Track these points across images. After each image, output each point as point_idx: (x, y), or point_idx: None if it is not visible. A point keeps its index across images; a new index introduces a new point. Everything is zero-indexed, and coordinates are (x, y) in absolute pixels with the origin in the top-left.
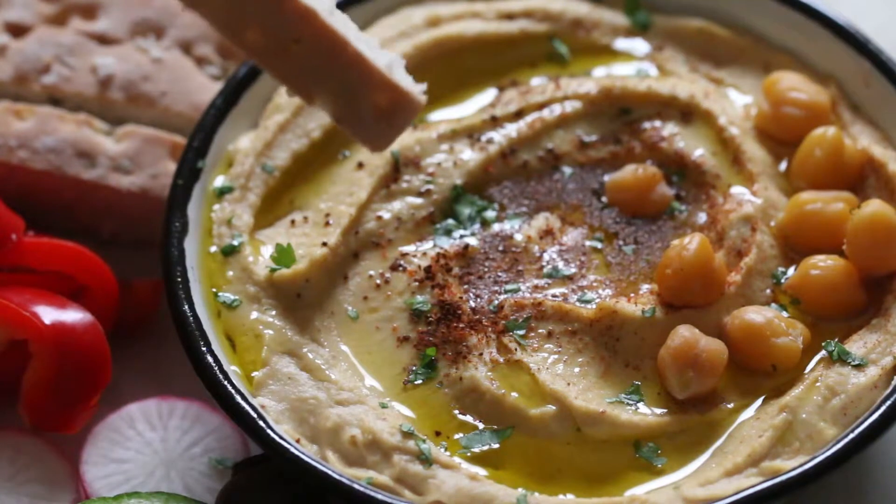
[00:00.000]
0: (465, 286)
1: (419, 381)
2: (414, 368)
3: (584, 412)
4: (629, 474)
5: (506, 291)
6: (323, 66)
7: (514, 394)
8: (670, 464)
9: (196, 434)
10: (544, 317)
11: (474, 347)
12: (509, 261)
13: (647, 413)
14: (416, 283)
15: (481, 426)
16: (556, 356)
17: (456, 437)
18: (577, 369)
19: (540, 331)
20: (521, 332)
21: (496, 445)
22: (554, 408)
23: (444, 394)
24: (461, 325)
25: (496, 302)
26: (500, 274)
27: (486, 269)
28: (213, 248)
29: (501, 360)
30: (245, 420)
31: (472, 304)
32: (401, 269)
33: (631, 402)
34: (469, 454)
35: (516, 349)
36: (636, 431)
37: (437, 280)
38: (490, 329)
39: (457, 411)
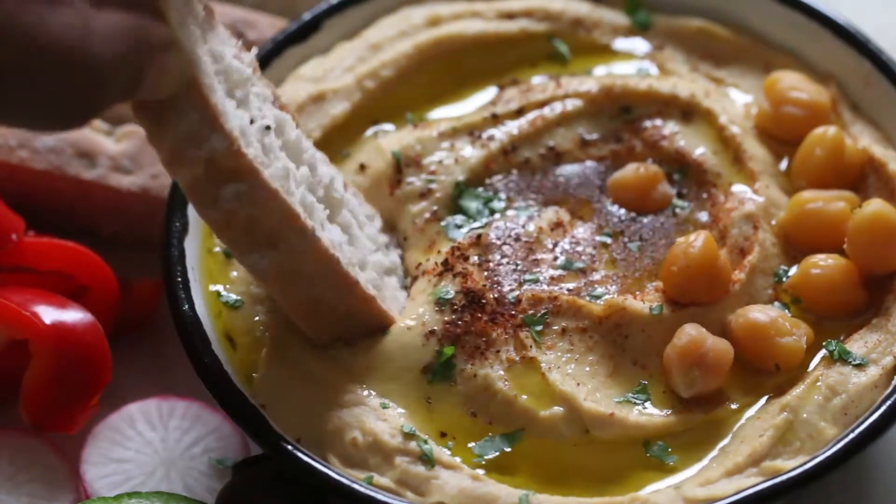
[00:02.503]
0: (486, 273)
1: (434, 380)
2: (430, 367)
3: (593, 414)
4: (637, 475)
5: (526, 281)
6: (350, 322)
7: (524, 396)
8: (681, 462)
9: (196, 434)
10: (560, 311)
11: (493, 343)
12: (524, 250)
13: (653, 413)
14: (437, 277)
15: (487, 426)
16: (568, 355)
17: (469, 445)
18: (587, 368)
19: (554, 327)
20: (539, 328)
21: (508, 449)
22: (562, 409)
23: (456, 391)
24: (484, 318)
25: (516, 294)
26: (517, 262)
27: (502, 257)
28: (217, 248)
29: (517, 358)
30: (245, 420)
31: (494, 294)
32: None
33: (638, 401)
34: (483, 462)
35: (532, 346)
36: (643, 433)
37: (456, 269)
38: (509, 324)
39: (465, 410)
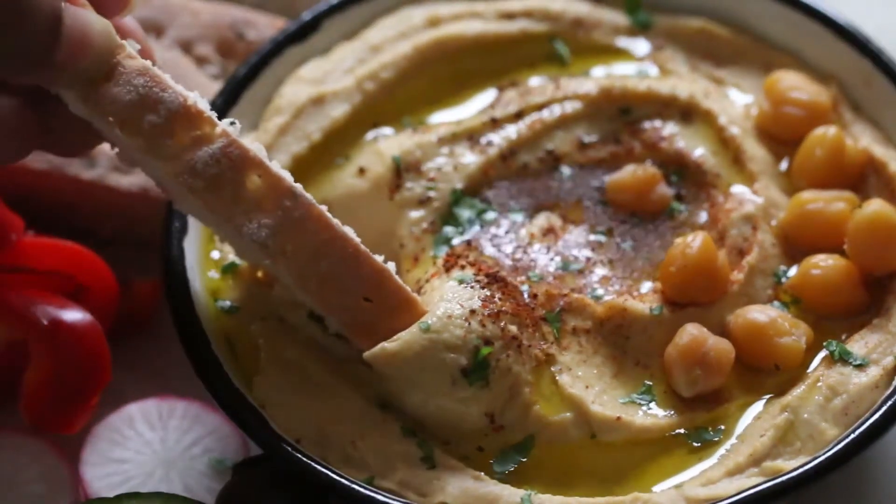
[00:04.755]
0: (488, 267)
1: (473, 382)
2: (467, 368)
3: (600, 418)
4: (641, 475)
5: (530, 278)
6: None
7: (537, 405)
8: (690, 457)
9: (196, 434)
10: (570, 309)
11: (524, 329)
12: (519, 252)
13: (658, 414)
14: (445, 274)
15: (498, 432)
16: (579, 356)
17: (489, 462)
18: (594, 370)
19: (566, 327)
20: (558, 325)
21: (524, 459)
22: (571, 415)
23: (484, 394)
24: (511, 297)
25: (527, 287)
26: (515, 262)
27: (499, 257)
28: (216, 254)
29: (543, 357)
30: (244, 420)
31: (510, 279)
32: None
33: (643, 402)
34: (505, 476)
35: (553, 342)
36: (648, 435)
37: (461, 263)
38: (533, 315)
39: (485, 414)
